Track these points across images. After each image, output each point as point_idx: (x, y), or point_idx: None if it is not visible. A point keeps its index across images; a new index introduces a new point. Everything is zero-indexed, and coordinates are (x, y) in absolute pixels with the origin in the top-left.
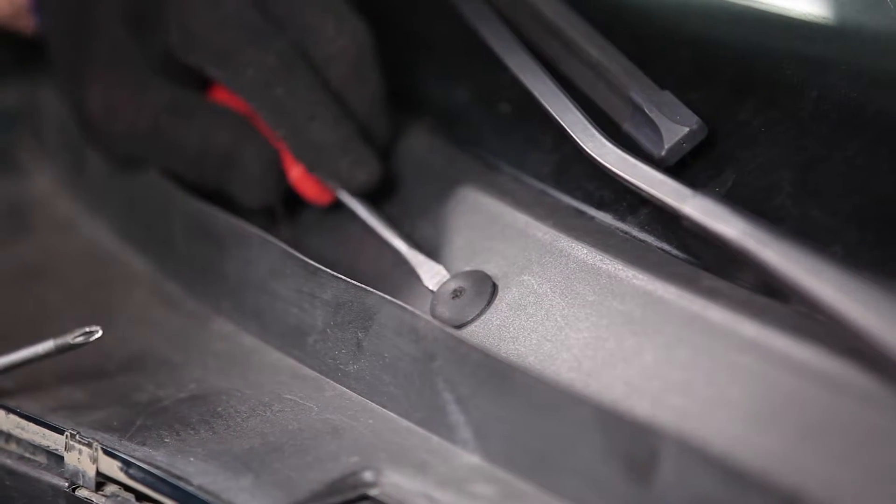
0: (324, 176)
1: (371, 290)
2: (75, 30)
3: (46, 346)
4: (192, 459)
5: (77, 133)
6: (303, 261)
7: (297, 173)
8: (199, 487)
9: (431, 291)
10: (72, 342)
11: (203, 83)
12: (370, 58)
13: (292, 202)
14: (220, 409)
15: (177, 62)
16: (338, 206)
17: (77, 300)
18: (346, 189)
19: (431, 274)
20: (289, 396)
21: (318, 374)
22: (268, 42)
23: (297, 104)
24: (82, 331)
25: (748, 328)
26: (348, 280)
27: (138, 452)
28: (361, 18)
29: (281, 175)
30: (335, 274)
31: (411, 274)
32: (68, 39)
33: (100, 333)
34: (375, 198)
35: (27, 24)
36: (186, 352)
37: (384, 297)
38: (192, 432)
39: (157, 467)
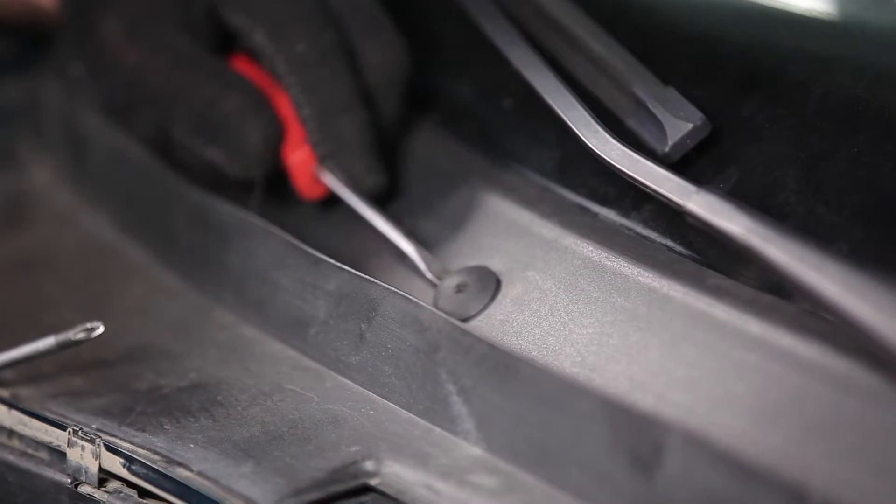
0: (333, 167)
1: (375, 280)
2: None
3: (48, 342)
4: (191, 446)
5: (76, 126)
6: (305, 251)
7: (295, 159)
8: (199, 473)
9: (435, 284)
10: (73, 338)
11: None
12: (405, 79)
13: (292, 200)
14: (220, 397)
15: (212, 23)
16: (333, 200)
17: (76, 292)
18: (350, 187)
19: (433, 267)
20: (289, 387)
21: (319, 366)
22: (324, 28)
23: (335, 92)
24: (83, 327)
25: (753, 326)
26: (352, 271)
27: (138, 438)
28: (405, 43)
29: (276, 153)
30: (338, 264)
31: (414, 268)
32: None
33: (101, 329)
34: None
35: None
36: (187, 342)
37: (388, 288)
38: (191, 420)
39: (158, 454)
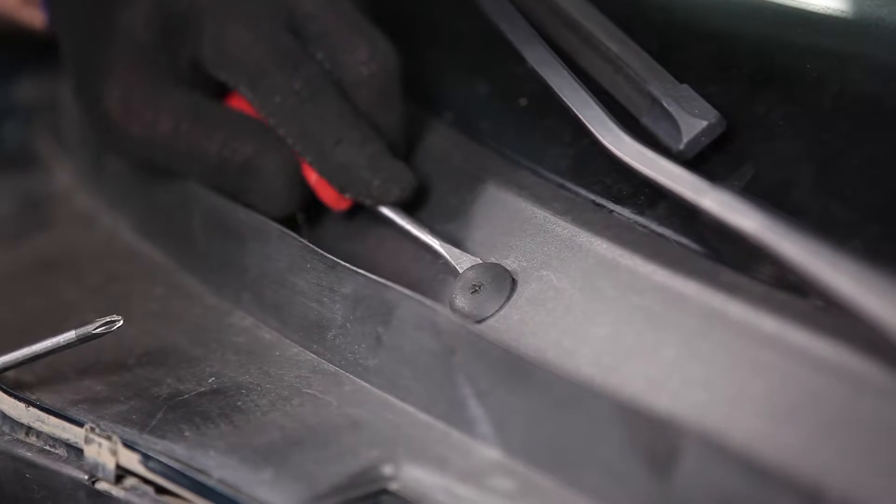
0: (356, 196)
1: (391, 284)
2: (97, 28)
3: (68, 336)
4: (211, 453)
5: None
6: (322, 255)
7: (316, 178)
8: (220, 481)
9: (459, 272)
10: (93, 332)
11: (223, 91)
12: (398, 82)
13: (312, 204)
14: (239, 403)
15: (200, 73)
16: (357, 208)
17: (96, 294)
18: (380, 205)
19: (461, 260)
20: (308, 391)
21: (337, 369)
22: (297, 67)
23: (324, 129)
24: (104, 320)
25: (768, 323)
26: (367, 274)
27: (158, 446)
28: (391, 42)
29: (303, 183)
30: (354, 268)
31: (430, 270)
32: (88, 36)
33: (121, 323)
34: None
35: (33, 16)
36: (206, 346)
37: (404, 292)
38: (211, 426)
39: (177, 460)
